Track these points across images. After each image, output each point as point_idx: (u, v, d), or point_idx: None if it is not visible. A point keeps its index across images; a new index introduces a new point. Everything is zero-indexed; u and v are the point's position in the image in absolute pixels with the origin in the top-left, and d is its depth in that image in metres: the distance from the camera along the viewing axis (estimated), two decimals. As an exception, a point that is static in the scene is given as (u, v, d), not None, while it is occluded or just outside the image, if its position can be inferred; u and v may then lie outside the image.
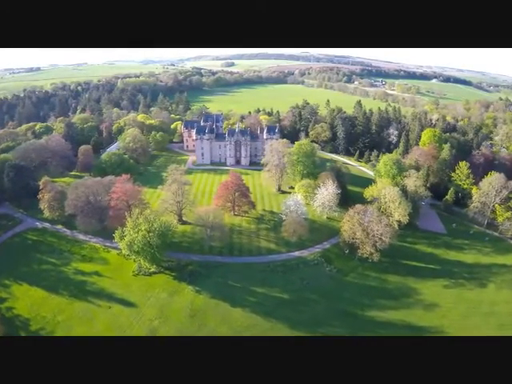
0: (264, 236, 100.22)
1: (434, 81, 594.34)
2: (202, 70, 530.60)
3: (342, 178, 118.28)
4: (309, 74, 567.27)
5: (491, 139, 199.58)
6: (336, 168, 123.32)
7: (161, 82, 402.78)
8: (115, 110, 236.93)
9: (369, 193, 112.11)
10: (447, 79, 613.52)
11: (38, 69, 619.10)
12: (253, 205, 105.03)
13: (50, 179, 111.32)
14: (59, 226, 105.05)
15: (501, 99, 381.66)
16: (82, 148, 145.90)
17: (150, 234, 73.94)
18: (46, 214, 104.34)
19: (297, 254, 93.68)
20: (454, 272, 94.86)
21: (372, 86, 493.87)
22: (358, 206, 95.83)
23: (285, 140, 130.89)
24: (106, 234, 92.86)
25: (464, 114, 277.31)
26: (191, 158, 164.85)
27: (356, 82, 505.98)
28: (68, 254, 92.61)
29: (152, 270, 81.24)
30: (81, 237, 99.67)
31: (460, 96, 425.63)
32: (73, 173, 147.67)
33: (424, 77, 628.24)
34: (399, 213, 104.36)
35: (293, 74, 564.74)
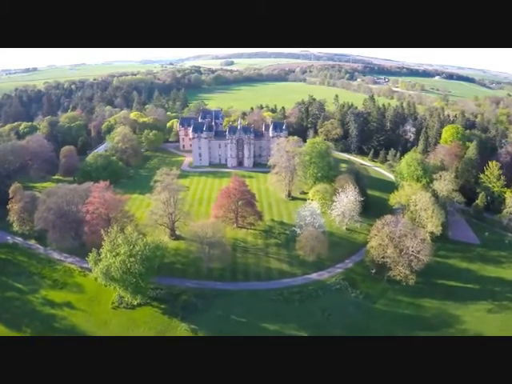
0: (274, 254, 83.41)
1: (436, 78, 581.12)
2: (201, 69, 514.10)
3: (362, 182, 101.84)
4: (310, 71, 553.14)
5: (506, 136, 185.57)
6: (354, 170, 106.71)
7: (158, 80, 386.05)
8: (107, 107, 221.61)
9: (395, 199, 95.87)
10: (450, 76, 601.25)
11: (35, 69, 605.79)
12: (260, 216, 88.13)
13: (20, 186, 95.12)
14: (32, 242, 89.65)
15: (509, 95, 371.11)
16: (65, 149, 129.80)
17: (131, 260, 57.40)
18: (16, 227, 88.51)
19: (315, 276, 77.10)
20: (495, 292, 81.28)
21: (375, 83, 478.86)
22: (388, 217, 79.56)
23: (295, 138, 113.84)
24: (84, 253, 75.96)
25: (476, 111, 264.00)
26: (188, 159, 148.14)
27: (358, 80, 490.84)
28: (38, 278, 77.18)
29: (136, 301, 64.59)
30: (55, 255, 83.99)
31: (464, 93, 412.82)
32: (56, 177, 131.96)
33: (427, 74, 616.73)
34: (433, 223, 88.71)
35: (294, 71, 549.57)
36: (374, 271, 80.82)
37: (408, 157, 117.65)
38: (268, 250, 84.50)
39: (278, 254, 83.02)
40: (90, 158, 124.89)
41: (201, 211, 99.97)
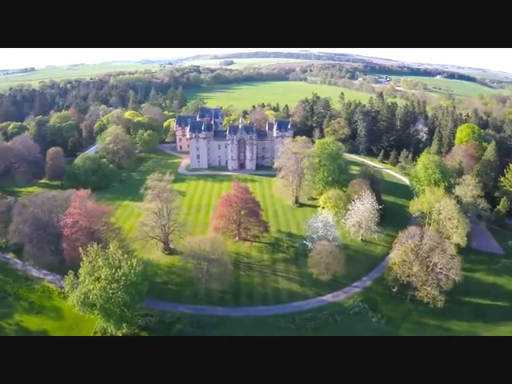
0: (282, 271, 73.02)
1: (438, 77, 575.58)
2: (200, 68, 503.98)
3: (377, 187, 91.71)
4: (310, 70, 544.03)
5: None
6: (369, 174, 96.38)
7: (156, 79, 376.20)
8: (102, 107, 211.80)
9: (415, 206, 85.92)
10: (451, 75, 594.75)
11: (33, 69, 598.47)
12: (265, 227, 77.45)
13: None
14: (10, 256, 79.75)
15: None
16: (51, 151, 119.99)
17: (113, 286, 47.33)
18: (-9, 239, 78.80)
19: (329, 297, 66.95)
20: (526, 310, 71.71)
21: (377, 82, 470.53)
22: (412, 229, 69.85)
23: (303, 138, 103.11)
24: (66, 270, 66.03)
25: (484, 110, 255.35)
26: (185, 162, 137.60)
27: (360, 79, 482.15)
28: (12, 300, 67.61)
29: (121, 332, 54.46)
30: (34, 272, 74.49)
31: (466, 92, 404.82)
32: (43, 181, 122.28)
33: (428, 73, 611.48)
34: (458, 234, 79.43)
35: (294, 71, 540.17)
36: (395, 290, 71.27)
37: (425, 158, 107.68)
38: (275, 266, 74.04)
39: (286, 272, 72.64)
40: (78, 160, 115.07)
41: (199, 220, 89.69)
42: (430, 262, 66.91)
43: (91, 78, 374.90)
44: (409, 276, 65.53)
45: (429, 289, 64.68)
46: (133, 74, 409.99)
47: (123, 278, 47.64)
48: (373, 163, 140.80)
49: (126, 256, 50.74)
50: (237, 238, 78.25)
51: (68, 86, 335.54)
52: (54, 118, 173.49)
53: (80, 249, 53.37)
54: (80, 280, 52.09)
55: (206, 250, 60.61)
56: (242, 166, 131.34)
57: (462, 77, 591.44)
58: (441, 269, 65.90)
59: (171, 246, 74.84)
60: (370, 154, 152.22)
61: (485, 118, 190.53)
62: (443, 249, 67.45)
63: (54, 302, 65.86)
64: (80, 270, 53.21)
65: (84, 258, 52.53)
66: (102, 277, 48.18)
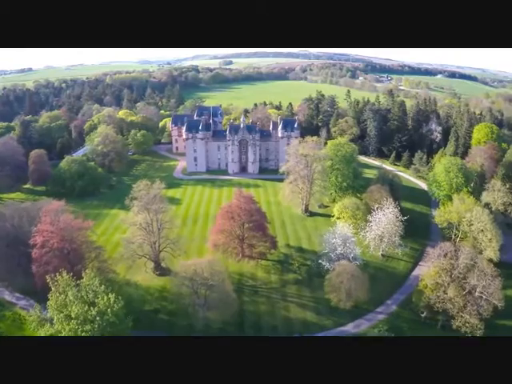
0: (294, 296, 62.14)
1: (439, 76, 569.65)
2: (199, 67, 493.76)
3: (397, 194, 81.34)
4: (311, 70, 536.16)
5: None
6: (388, 179, 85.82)
7: (154, 78, 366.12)
8: (95, 106, 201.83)
9: (443, 217, 75.65)
10: (452, 75, 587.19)
11: (30, 69, 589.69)
12: (273, 243, 66.39)
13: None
14: (-19, 275, 69.18)
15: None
16: (33, 153, 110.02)
17: (86, 328, 37.07)
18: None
19: (351, 328, 56.44)
20: None
21: (378, 81, 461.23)
22: (446, 245, 59.69)
23: (315, 138, 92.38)
24: (40, 295, 56.28)
25: (495, 109, 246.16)
26: (181, 164, 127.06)
27: (361, 78, 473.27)
28: (-22, 330, 57.23)
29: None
30: (6, 295, 64.86)
31: (468, 91, 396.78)
32: (26, 186, 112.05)
33: (429, 72, 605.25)
34: (492, 247, 69.98)
35: (294, 70, 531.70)
36: (423, 315, 61.26)
37: (445, 161, 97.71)
38: (285, 290, 63.16)
39: (299, 297, 61.75)
40: (63, 163, 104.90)
41: (195, 233, 78.64)
42: (467, 283, 57.05)
43: (87, 78, 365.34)
44: (444, 302, 55.50)
45: (467, 316, 54.76)
46: (130, 73, 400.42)
47: (98, 318, 37.36)
48: (384, 165, 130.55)
49: (103, 288, 40.42)
50: (240, 256, 66.64)
51: (63, 85, 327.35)
52: (44, 117, 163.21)
53: (48, 277, 42.99)
54: (48, 316, 41.94)
55: (202, 277, 50.19)
56: (243, 170, 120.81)
57: (463, 76, 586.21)
58: (481, 292, 56.01)
59: (163, 265, 64.21)
60: (381, 155, 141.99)
61: (499, 117, 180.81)
62: (481, 268, 57.52)
63: (25, 333, 55.37)
64: (48, 303, 43.07)
65: (53, 289, 42.24)
66: (73, 315, 37.92)
